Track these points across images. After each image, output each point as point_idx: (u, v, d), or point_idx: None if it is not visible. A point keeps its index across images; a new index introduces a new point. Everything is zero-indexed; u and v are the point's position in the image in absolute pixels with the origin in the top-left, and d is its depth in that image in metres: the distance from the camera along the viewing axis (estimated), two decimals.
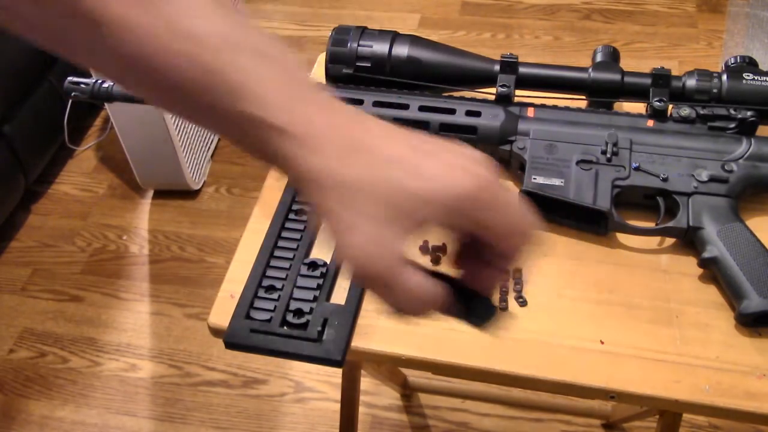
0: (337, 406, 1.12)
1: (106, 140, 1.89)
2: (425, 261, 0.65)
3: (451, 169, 0.34)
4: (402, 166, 0.34)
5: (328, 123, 0.34)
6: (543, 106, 0.72)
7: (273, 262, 0.64)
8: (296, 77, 0.34)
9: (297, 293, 0.61)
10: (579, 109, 0.72)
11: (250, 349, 0.57)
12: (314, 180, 0.34)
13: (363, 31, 0.75)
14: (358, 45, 0.74)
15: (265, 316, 0.60)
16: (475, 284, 0.38)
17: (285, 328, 0.57)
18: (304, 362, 0.56)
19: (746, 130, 0.69)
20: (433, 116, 0.70)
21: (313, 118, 0.34)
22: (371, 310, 0.62)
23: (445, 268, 0.40)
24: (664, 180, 0.66)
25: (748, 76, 0.69)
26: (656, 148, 0.68)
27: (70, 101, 1.68)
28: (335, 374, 1.06)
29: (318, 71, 0.82)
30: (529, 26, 2.18)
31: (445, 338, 0.60)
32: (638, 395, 0.57)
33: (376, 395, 1.37)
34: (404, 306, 0.36)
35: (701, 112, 0.69)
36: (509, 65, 0.72)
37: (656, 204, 0.67)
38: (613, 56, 0.73)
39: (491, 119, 0.70)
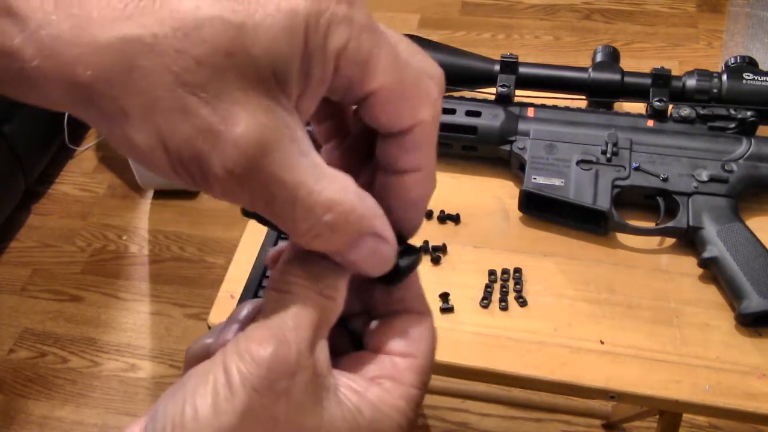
0: None
1: (106, 140, 1.89)
2: (425, 261, 0.65)
3: None
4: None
5: None
6: (543, 106, 0.72)
7: None
8: None
9: None
10: (579, 109, 0.72)
11: None
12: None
13: None
14: None
15: None
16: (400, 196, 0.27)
17: None
18: None
19: (746, 130, 0.69)
20: None
21: None
22: None
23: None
24: (664, 180, 0.66)
25: (748, 76, 0.69)
26: (656, 148, 0.68)
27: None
28: None
29: None
30: (529, 26, 2.18)
31: (445, 338, 0.60)
32: (638, 395, 0.57)
33: None
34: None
35: (701, 112, 0.69)
36: (509, 65, 0.72)
37: (656, 204, 0.67)
38: (613, 56, 0.73)
39: (491, 119, 0.70)
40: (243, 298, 0.61)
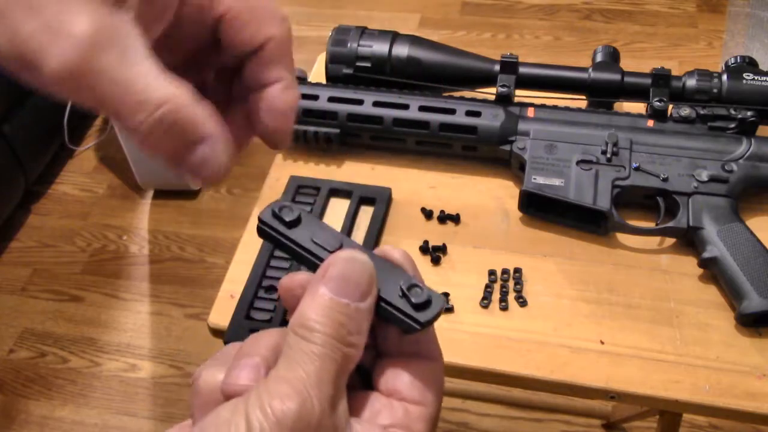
0: None
1: (106, 140, 1.89)
2: (425, 261, 0.65)
3: None
4: None
5: None
6: (543, 106, 0.72)
7: (273, 262, 0.64)
8: None
9: None
10: (579, 109, 0.72)
11: None
12: None
13: (363, 31, 0.75)
14: (358, 45, 0.74)
15: (265, 316, 0.60)
16: (268, 124, 0.29)
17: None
18: None
19: (746, 130, 0.69)
20: (433, 116, 0.70)
21: None
22: None
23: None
24: (664, 180, 0.66)
25: (748, 76, 0.69)
26: (656, 148, 0.68)
27: (70, 101, 1.68)
28: None
29: (318, 71, 0.82)
30: (529, 26, 2.18)
31: (445, 338, 0.60)
32: (638, 395, 0.57)
33: None
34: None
35: (701, 112, 0.69)
36: (509, 65, 0.72)
37: (656, 204, 0.67)
38: (613, 56, 0.73)
39: (491, 119, 0.70)
40: (243, 298, 0.62)
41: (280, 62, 0.29)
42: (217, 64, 0.31)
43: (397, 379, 0.28)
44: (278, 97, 0.29)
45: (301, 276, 0.29)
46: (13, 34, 0.23)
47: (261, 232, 0.30)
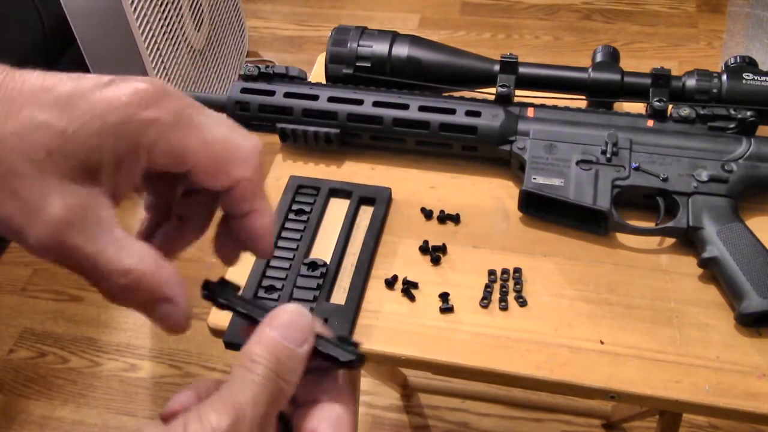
0: None
1: None
2: (425, 261, 0.65)
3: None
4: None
5: None
6: (543, 106, 0.72)
7: (273, 262, 0.64)
8: None
9: (297, 293, 0.61)
10: (579, 109, 0.72)
11: None
12: None
13: (363, 31, 0.75)
14: (358, 45, 0.74)
15: None
16: (253, 242, 0.35)
17: None
18: None
19: (746, 130, 0.69)
20: (433, 116, 0.70)
21: None
22: (371, 310, 0.62)
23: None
24: (664, 180, 0.66)
25: (748, 76, 0.69)
26: (656, 148, 0.68)
27: None
28: None
29: (318, 71, 0.82)
30: (529, 26, 2.18)
31: (445, 338, 0.60)
32: (638, 395, 0.57)
33: (376, 395, 1.37)
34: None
35: (701, 112, 0.69)
36: (509, 65, 0.72)
37: (656, 204, 0.67)
38: (613, 56, 0.73)
39: (491, 119, 0.70)
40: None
41: (254, 197, 0.33)
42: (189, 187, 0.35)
43: (319, 419, 0.32)
44: (256, 224, 0.34)
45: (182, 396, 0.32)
46: None
47: (204, 295, 0.36)
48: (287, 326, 0.31)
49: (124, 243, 0.29)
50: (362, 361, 0.33)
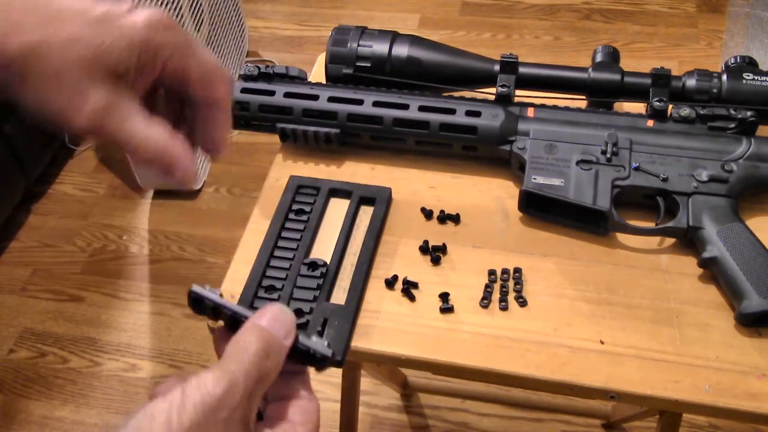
0: (337, 406, 1.12)
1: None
2: (425, 261, 0.65)
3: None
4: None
5: None
6: (543, 106, 0.72)
7: (273, 262, 0.64)
8: None
9: (297, 293, 0.61)
10: (579, 109, 0.72)
11: None
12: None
13: (363, 31, 0.75)
14: (358, 45, 0.74)
15: None
16: (205, 137, 0.43)
17: None
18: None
19: (746, 130, 0.69)
20: (433, 116, 0.70)
21: None
22: (371, 310, 0.62)
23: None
24: (664, 180, 0.66)
25: (748, 76, 0.69)
26: (656, 148, 0.68)
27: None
28: (335, 374, 1.06)
29: (318, 71, 0.82)
30: (529, 26, 2.18)
31: (445, 338, 0.60)
32: (638, 395, 0.57)
33: (376, 395, 1.37)
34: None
35: (701, 112, 0.69)
36: (509, 65, 0.72)
37: (656, 204, 0.67)
38: (613, 56, 0.73)
39: (491, 119, 0.70)
40: (243, 298, 0.62)
41: (227, 105, 0.43)
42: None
43: (288, 407, 0.38)
44: (216, 126, 0.43)
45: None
46: (47, 106, 0.37)
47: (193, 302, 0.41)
48: (274, 319, 0.37)
49: (149, 122, 0.39)
50: (337, 361, 0.36)
